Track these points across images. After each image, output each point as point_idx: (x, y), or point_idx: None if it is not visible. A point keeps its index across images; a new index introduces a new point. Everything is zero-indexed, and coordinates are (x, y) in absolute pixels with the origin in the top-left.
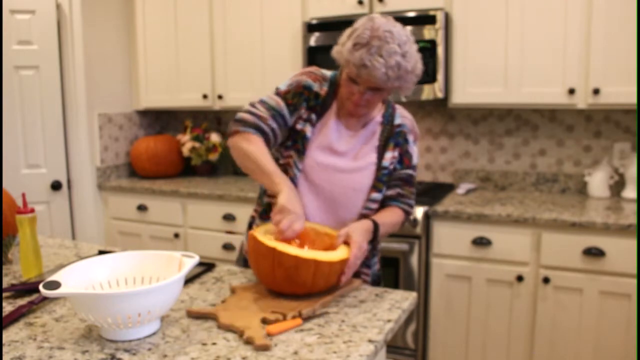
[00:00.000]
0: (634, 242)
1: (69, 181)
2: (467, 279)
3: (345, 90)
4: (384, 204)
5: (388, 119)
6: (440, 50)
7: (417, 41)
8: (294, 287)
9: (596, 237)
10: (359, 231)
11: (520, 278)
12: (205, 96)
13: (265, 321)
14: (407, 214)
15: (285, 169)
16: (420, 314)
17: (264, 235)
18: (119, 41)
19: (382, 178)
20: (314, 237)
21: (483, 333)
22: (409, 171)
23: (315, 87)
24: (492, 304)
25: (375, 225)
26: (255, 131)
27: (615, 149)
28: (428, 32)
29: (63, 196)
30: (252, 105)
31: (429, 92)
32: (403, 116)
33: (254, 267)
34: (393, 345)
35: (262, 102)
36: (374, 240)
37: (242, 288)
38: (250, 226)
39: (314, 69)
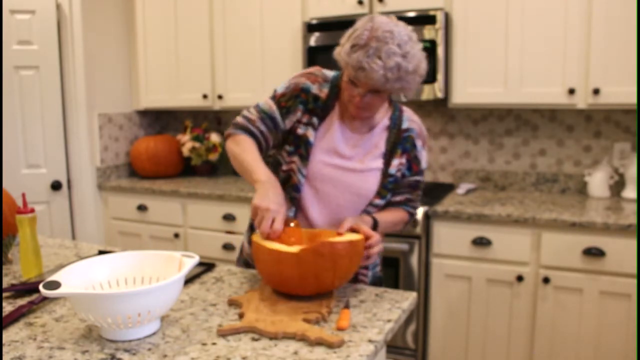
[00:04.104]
0: (634, 242)
1: (69, 181)
2: (467, 279)
3: (347, 93)
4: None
5: (395, 122)
6: (440, 50)
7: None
8: (344, 276)
9: (596, 237)
10: (362, 222)
11: (520, 278)
12: (205, 96)
13: (307, 322)
14: (412, 215)
15: (289, 175)
16: (420, 314)
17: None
18: (119, 41)
19: (388, 185)
20: (310, 237)
21: (483, 333)
22: (417, 177)
23: (314, 89)
24: (492, 304)
25: (375, 222)
26: (243, 132)
27: (615, 149)
28: (428, 32)
29: (63, 196)
30: (247, 109)
31: (429, 92)
32: (411, 120)
33: (308, 278)
34: (393, 345)
35: (256, 106)
36: None
37: (243, 299)
38: (251, 227)
39: (315, 69)
